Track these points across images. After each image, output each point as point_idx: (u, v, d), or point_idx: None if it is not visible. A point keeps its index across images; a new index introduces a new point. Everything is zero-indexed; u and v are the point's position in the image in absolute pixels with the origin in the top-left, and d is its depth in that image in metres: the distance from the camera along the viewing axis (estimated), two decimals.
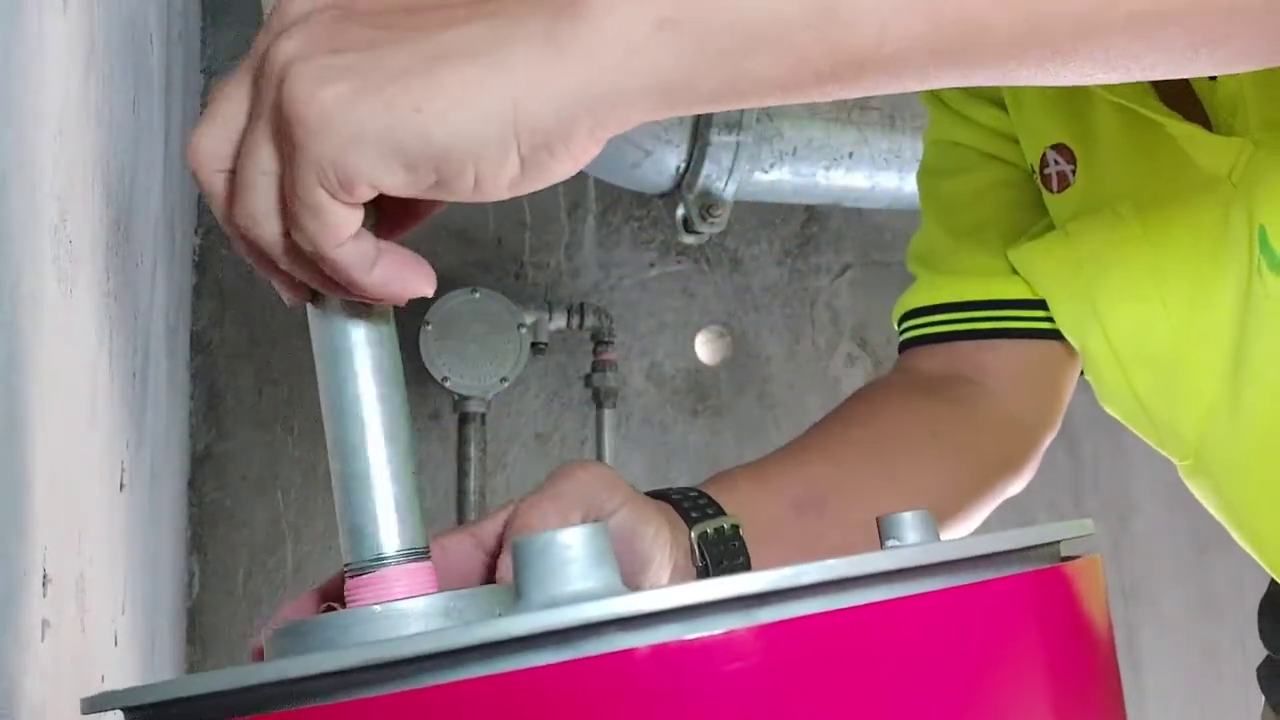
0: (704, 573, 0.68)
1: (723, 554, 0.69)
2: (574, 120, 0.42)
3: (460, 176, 0.42)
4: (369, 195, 0.42)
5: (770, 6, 0.41)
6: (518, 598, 0.37)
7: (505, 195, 0.43)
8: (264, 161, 0.43)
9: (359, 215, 0.43)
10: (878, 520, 0.43)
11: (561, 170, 0.43)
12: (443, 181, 0.42)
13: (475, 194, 0.43)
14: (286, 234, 0.44)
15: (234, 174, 0.44)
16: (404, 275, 0.45)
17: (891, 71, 0.44)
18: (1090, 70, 0.46)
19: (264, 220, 0.44)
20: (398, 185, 0.42)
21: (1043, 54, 0.44)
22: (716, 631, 0.34)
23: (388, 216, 0.48)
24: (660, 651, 0.34)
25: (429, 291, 0.46)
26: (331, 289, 0.46)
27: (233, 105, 0.44)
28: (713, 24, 0.41)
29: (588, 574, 0.36)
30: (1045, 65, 0.45)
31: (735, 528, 0.70)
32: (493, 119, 0.41)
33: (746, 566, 0.69)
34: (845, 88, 0.44)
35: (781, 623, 0.35)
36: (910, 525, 0.43)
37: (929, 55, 0.43)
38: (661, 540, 0.66)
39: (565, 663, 0.34)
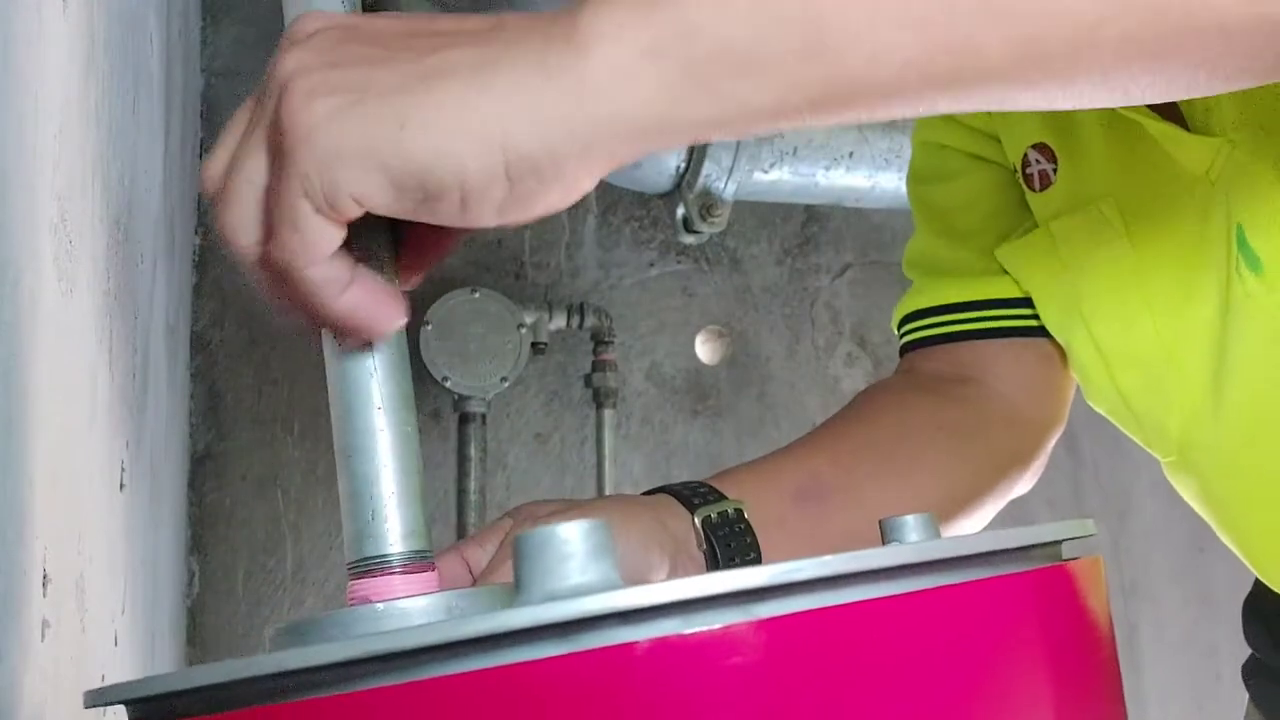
0: (710, 556, 0.68)
1: (729, 536, 0.69)
2: (561, 148, 0.41)
3: (445, 196, 0.42)
4: (355, 212, 0.42)
5: (757, 35, 0.41)
6: (517, 591, 0.37)
7: (494, 221, 0.43)
8: (251, 170, 0.43)
9: (339, 235, 0.43)
10: (880, 523, 0.43)
11: (552, 200, 0.43)
12: (429, 201, 0.42)
13: (463, 216, 0.42)
14: (263, 245, 0.44)
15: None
16: (373, 307, 0.45)
17: (884, 98, 0.43)
18: (1088, 94, 0.46)
19: (242, 230, 0.44)
20: (383, 202, 0.42)
21: (1037, 78, 0.44)
22: (715, 626, 0.34)
23: (410, 249, 0.48)
24: (658, 646, 0.34)
25: (395, 328, 0.46)
26: (294, 313, 0.46)
27: (237, 124, 0.45)
28: (698, 52, 0.41)
29: (586, 568, 0.36)
30: (1041, 89, 0.45)
31: (739, 511, 0.70)
32: (477, 139, 0.41)
33: (755, 549, 0.69)
34: (839, 114, 0.44)
35: (780, 618, 0.35)
36: (913, 528, 0.43)
37: (922, 81, 0.43)
38: (648, 541, 0.66)
39: (563, 656, 0.34)
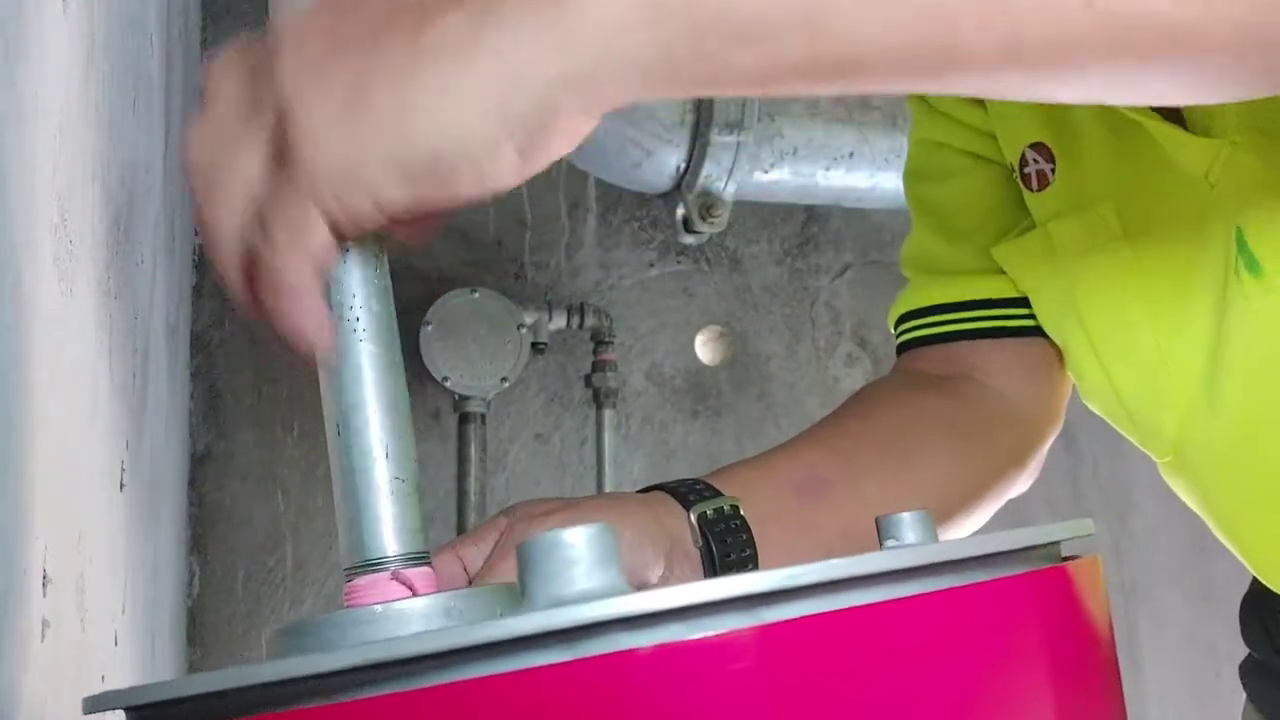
0: (705, 553, 0.68)
1: (725, 533, 0.69)
2: (559, 105, 0.42)
3: (460, 179, 0.43)
4: (374, 220, 0.44)
5: (757, 5, 0.42)
6: (522, 597, 0.37)
7: (513, 183, 0.44)
8: (247, 169, 0.44)
9: (334, 250, 0.44)
10: (876, 520, 0.43)
11: (561, 148, 0.44)
12: (447, 185, 0.43)
13: (481, 190, 0.44)
14: (248, 243, 0.45)
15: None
16: (317, 329, 0.45)
17: (871, 79, 0.45)
18: (1070, 94, 0.48)
19: (228, 222, 0.44)
20: (402, 197, 0.43)
21: (1021, 75, 0.45)
22: (719, 631, 0.34)
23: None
24: (663, 651, 0.34)
25: (323, 353, 0.47)
26: (258, 310, 0.46)
27: (228, 103, 0.45)
28: (698, 16, 0.42)
29: (592, 574, 0.36)
30: (1025, 86, 0.46)
31: (735, 507, 0.70)
32: (478, 117, 0.42)
33: (750, 545, 0.69)
34: (824, 87, 0.45)
35: (784, 622, 0.35)
36: (909, 525, 0.43)
37: (911, 68, 0.44)
38: (643, 539, 0.66)
39: (569, 662, 0.34)
